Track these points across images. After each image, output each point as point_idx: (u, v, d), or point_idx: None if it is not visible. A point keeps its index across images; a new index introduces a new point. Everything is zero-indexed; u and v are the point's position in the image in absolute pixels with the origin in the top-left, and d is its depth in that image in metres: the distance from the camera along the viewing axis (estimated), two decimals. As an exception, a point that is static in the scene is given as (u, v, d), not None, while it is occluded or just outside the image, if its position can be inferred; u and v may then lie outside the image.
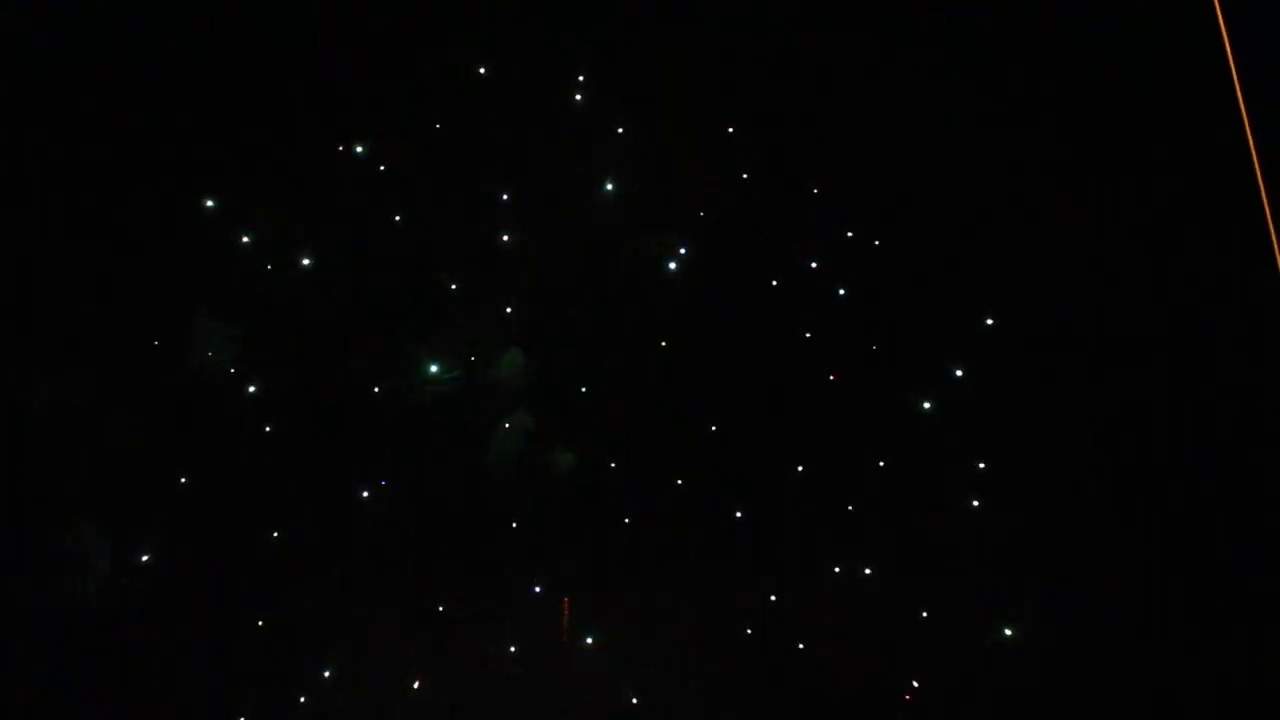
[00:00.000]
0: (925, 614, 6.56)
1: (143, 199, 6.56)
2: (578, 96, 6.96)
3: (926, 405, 6.78)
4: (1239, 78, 5.60)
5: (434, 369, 6.68)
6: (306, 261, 6.68)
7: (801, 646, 6.58)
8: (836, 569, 6.65)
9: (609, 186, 6.89)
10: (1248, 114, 5.66)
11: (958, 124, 6.82)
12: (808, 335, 6.88)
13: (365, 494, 6.53)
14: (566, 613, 6.58)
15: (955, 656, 6.51)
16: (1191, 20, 6.42)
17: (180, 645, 6.23)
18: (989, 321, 6.84)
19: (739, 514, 6.72)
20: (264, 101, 6.68)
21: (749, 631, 6.59)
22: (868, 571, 6.63)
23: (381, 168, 6.82)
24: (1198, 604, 6.34)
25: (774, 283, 6.90)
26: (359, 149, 6.80)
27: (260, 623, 6.34)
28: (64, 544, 6.25)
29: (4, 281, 6.40)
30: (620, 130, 6.94)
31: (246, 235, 6.66)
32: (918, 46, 6.87)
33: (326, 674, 6.32)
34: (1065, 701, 6.33)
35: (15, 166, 6.45)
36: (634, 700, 6.43)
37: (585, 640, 6.50)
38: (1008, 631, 6.47)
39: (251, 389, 6.57)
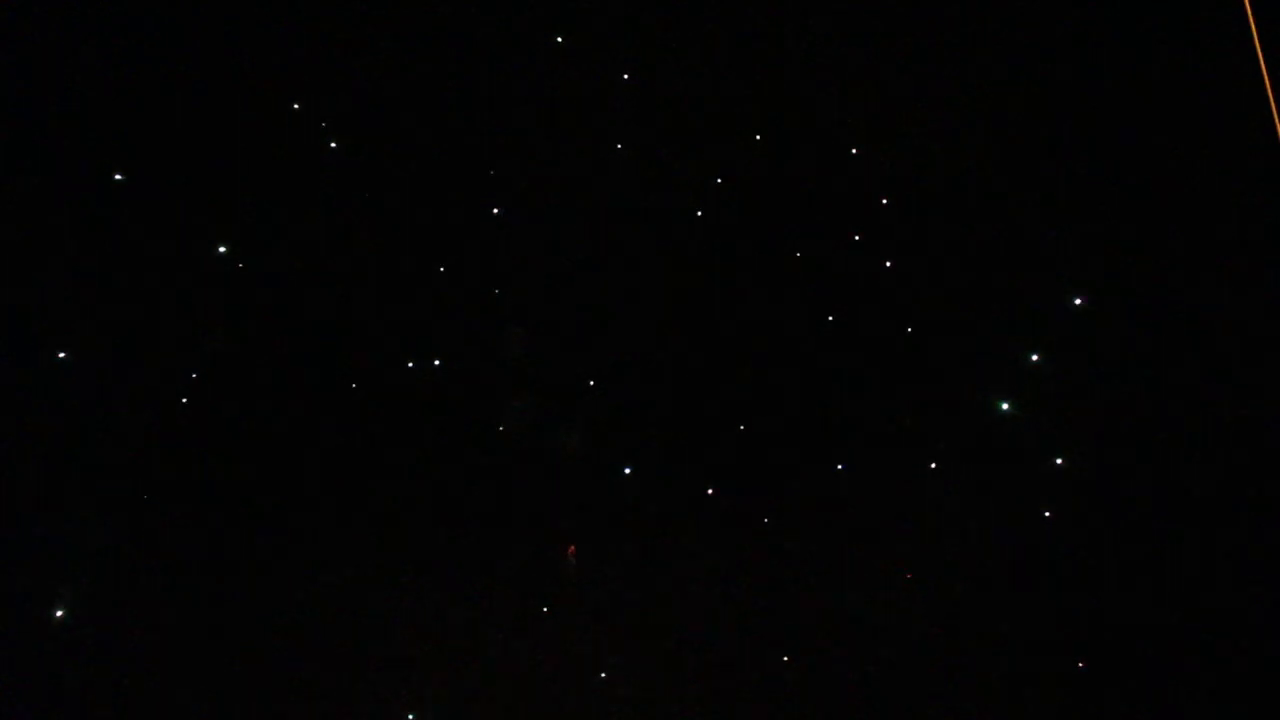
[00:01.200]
0: (983, 634, 6.04)
1: (142, 199, 6.56)
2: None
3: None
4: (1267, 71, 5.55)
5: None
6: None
7: (837, 663, 6.20)
8: (882, 575, 6.27)
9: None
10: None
11: (958, 123, 6.82)
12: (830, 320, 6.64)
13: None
14: (572, 559, 6.41)
15: (1015, 680, 6.07)
16: (1192, 19, 6.45)
17: (177, 647, 6.22)
18: (1081, 303, 6.48)
19: (766, 520, 6.42)
20: (264, 101, 6.68)
21: (785, 659, 6.23)
22: (909, 577, 6.26)
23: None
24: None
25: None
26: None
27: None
28: (61, 543, 6.25)
29: (3, 281, 6.40)
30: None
31: (246, 233, 6.67)
32: (917, 46, 6.88)
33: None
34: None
35: (15, 166, 6.46)
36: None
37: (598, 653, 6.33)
38: (1081, 665, 5.96)
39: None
